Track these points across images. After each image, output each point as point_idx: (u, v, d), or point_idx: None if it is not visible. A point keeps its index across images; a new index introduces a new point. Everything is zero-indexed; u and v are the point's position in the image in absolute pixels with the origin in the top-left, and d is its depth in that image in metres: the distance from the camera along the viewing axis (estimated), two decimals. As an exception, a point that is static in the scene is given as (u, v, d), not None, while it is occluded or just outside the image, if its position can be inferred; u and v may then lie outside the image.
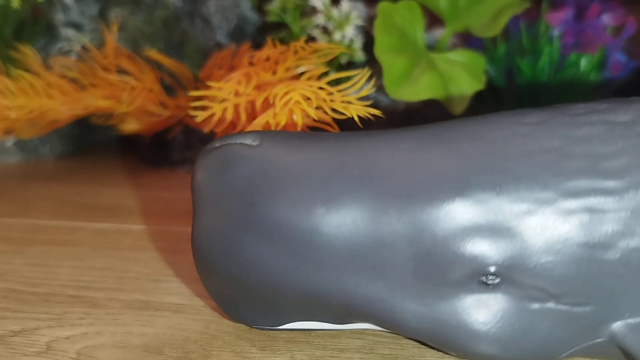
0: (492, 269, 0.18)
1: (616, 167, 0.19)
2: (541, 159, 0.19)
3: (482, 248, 0.18)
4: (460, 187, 0.19)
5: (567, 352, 0.19)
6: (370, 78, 0.36)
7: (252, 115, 0.34)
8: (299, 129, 0.31)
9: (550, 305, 0.19)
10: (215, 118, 0.33)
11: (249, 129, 0.31)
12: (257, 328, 0.22)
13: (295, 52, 0.37)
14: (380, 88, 0.41)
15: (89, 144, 0.56)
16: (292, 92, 0.31)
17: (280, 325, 0.22)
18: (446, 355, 0.21)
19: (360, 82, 0.33)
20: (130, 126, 0.46)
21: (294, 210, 0.19)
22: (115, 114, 0.45)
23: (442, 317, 0.19)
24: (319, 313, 0.20)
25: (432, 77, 0.37)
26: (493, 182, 0.19)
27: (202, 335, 0.23)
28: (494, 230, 0.18)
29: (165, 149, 0.47)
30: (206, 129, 0.34)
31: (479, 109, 0.45)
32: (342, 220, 0.19)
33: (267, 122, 0.31)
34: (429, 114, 0.43)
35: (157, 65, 0.45)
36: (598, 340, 0.19)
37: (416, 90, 0.37)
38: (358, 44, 0.42)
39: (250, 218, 0.19)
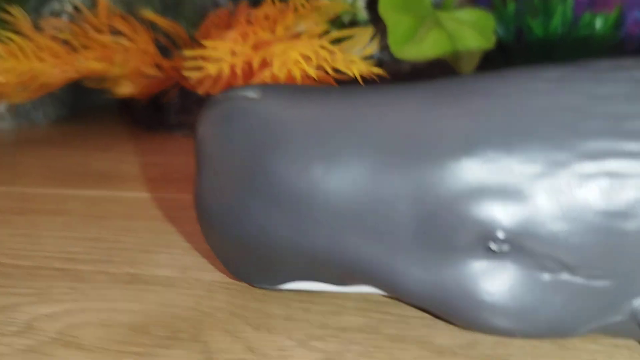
0: (501, 234, 0.17)
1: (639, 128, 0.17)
2: (558, 118, 0.17)
3: (490, 211, 0.17)
4: (468, 146, 0.17)
5: (583, 329, 0.18)
6: (374, 37, 0.34)
7: (249, 76, 0.32)
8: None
9: (565, 276, 0.17)
10: (210, 79, 0.31)
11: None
12: (259, 287, 0.22)
13: (295, 10, 0.35)
14: (384, 47, 0.39)
15: (84, 108, 0.54)
16: (290, 51, 0.29)
17: (281, 285, 0.21)
18: (458, 336, 0.20)
19: (363, 41, 0.31)
20: (125, 89, 0.44)
21: (293, 167, 0.18)
22: (109, 77, 0.43)
23: (445, 284, 0.18)
24: (319, 273, 0.20)
25: (438, 35, 0.35)
26: (504, 141, 0.17)
27: (193, 313, 0.21)
28: (504, 193, 0.17)
29: (161, 113, 0.45)
30: (201, 90, 0.32)
31: (488, 69, 0.43)
32: (342, 178, 0.18)
33: (265, 83, 0.29)
34: (435, 74, 0.40)
35: (151, 26, 0.43)
36: (617, 318, 0.18)
37: (422, 49, 0.35)
38: (361, 2, 0.40)
39: (250, 174, 0.19)
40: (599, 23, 0.39)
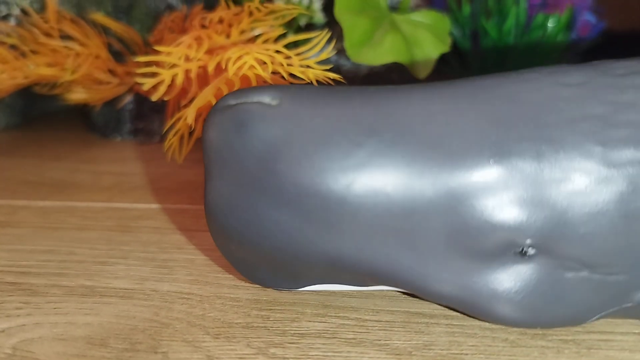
0: (529, 241, 0.18)
1: None
2: (584, 127, 0.18)
3: (520, 219, 0.18)
4: (499, 155, 0.18)
5: (596, 317, 0.19)
6: (330, 40, 0.34)
7: (204, 81, 0.32)
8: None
9: (584, 274, 0.18)
10: (164, 85, 0.31)
11: (200, 96, 0.29)
12: (276, 289, 0.22)
13: (250, 14, 0.35)
14: (341, 51, 0.39)
15: (35, 115, 0.52)
16: (246, 56, 0.29)
17: (301, 288, 0.21)
18: (414, 339, 0.20)
19: (319, 45, 0.31)
20: (77, 95, 0.43)
21: (321, 178, 0.18)
22: (60, 83, 0.42)
23: (474, 287, 0.19)
24: (342, 277, 0.20)
25: (395, 39, 0.36)
26: (533, 151, 0.18)
27: (151, 324, 0.21)
28: (533, 201, 0.18)
29: (116, 120, 0.44)
30: (155, 97, 0.32)
31: (444, 72, 0.43)
32: (372, 188, 0.18)
33: (219, 88, 0.29)
34: (392, 78, 0.41)
35: (104, 30, 0.42)
36: (627, 305, 0.19)
37: (378, 53, 0.35)
38: (317, 4, 0.40)
39: (273, 185, 0.18)
40: (551, 24, 0.40)
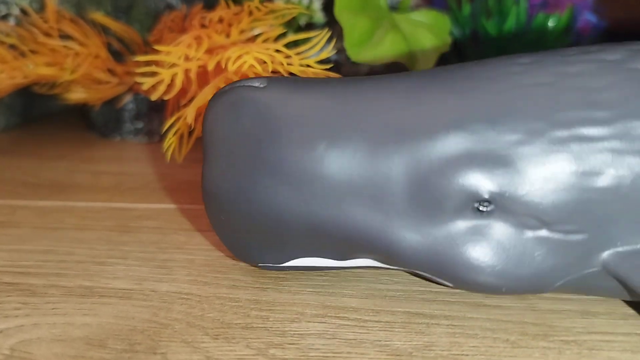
0: (486, 195, 0.19)
1: (606, 99, 0.19)
2: (534, 92, 0.20)
3: (477, 176, 0.19)
4: (455, 120, 0.19)
5: (561, 281, 0.20)
6: (330, 40, 0.34)
7: (203, 81, 0.32)
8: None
9: (544, 233, 0.19)
10: (164, 84, 0.31)
11: (199, 96, 0.29)
12: (263, 267, 0.23)
13: (250, 13, 0.35)
14: (341, 50, 0.39)
15: (35, 115, 0.52)
16: (246, 56, 0.29)
17: (286, 262, 0.22)
18: (414, 339, 0.20)
19: (319, 44, 0.31)
20: (77, 95, 0.43)
21: (298, 147, 0.20)
22: (60, 83, 0.42)
23: (437, 246, 0.19)
24: (322, 247, 0.21)
25: (395, 38, 0.36)
26: (487, 114, 0.19)
27: (150, 324, 0.21)
28: (488, 159, 0.19)
29: (115, 119, 0.44)
30: (154, 97, 0.31)
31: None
32: (342, 155, 0.20)
33: (219, 88, 0.29)
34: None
35: (103, 30, 0.42)
36: (591, 270, 0.19)
37: (378, 52, 0.35)
38: (317, 3, 0.40)
39: (259, 156, 0.20)
40: (551, 24, 0.40)
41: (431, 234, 0.19)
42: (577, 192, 0.19)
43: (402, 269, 0.22)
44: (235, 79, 0.29)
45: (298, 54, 0.30)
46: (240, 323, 0.21)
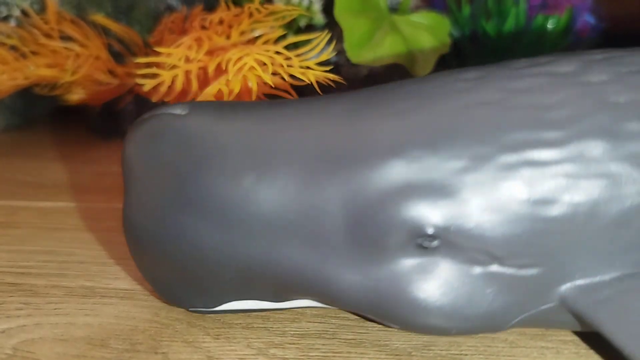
0: (430, 230, 0.17)
1: (558, 117, 0.18)
2: (478, 113, 0.18)
3: (419, 209, 0.17)
4: (393, 146, 0.18)
5: (516, 319, 0.18)
6: (330, 41, 0.34)
7: (204, 83, 0.32)
8: (254, 96, 0.29)
9: (495, 268, 0.18)
10: (164, 86, 0.31)
11: (200, 97, 0.29)
12: (194, 311, 0.21)
13: (251, 15, 0.35)
14: (340, 52, 0.39)
15: (35, 116, 0.52)
16: (246, 57, 0.29)
17: (217, 306, 0.20)
18: (413, 339, 0.20)
19: (319, 46, 0.31)
20: (77, 96, 0.43)
21: (222, 180, 0.18)
22: (60, 84, 0.42)
23: (379, 286, 0.18)
24: (255, 290, 0.19)
25: (394, 40, 0.36)
26: (428, 139, 0.18)
27: (151, 324, 0.21)
28: (431, 190, 0.17)
29: (116, 120, 0.44)
30: (155, 98, 0.32)
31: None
32: (272, 187, 0.18)
33: (220, 90, 0.29)
34: (392, 78, 0.41)
35: (104, 31, 0.42)
36: (548, 305, 0.18)
37: (378, 54, 0.35)
38: (317, 5, 0.40)
39: (181, 191, 0.18)
40: (550, 25, 0.40)
41: (372, 274, 0.18)
42: (529, 223, 0.17)
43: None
44: (236, 80, 0.29)
45: (298, 55, 0.30)
46: (240, 323, 0.21)
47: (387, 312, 0.18)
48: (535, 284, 0.18)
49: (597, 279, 0.18)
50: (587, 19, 0.40)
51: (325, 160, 0.18)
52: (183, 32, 0.38)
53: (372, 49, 0.36)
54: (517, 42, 0.41)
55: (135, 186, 0.19)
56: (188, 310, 0.21)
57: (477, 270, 0.18)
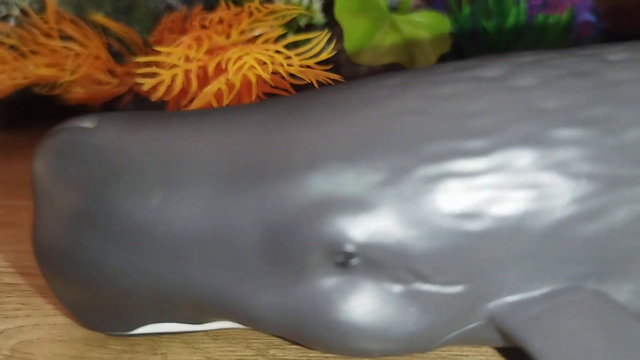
0: (349, 247, 0.16)
1: (482, 125, 0.17)
2: (398, 122, 0.17)
3: (337, 225, 0.16)
4: (310, 159, 0.17)
5: (444, 338, 0.18)
6: (330, 41, 0.34)
7: (204, 82, 0.32)
8: (254, 95, 0.29)
9: (418, 286, 0.17)
10: (164, 85, 0.31)
11: (200, 96, 0.29)
12: (112, 335, 0.20)
13: (250, 14, 0.35)
14: (340, 51, 0.39)
15: (35, 115, 0.52)
16: (246, 57, 0.29)
17: (134, 330, 0.19)
18: (413, 338, 0.20)
19: (319, 45, 0.31)
20: (77, 96, 0.43)
21: (129, 198, 0.17)
22: (60, 83, 0.42)
23: (298, 307, 0.17)
24: (170, 313, 0.19)
25: (395, 39, 0.36)
26: (346, 151, 0.17)
27: (150, 325, 0.21)
28: (349, 205, 0.16)
29: (116, 120, 0.44)
30: (155, 97, 0.31)
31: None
32: (182, 206, 0.17)
33: (220, 89, 0.29)
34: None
35: (103, 30, 0.42)
36: (478, 323, 0.17)
37: (378, 53, 0.35)
38: (317, 5, 0.40)
39: (87, 210, 0.17)
40: (551, 25, 0.40)
41: (290, 295, 0.17)
42: (453, 238, 0.16)
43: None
44: (236, 80, 0.29)
45: (298, 55, 0.30)
46: (240, 323, 0.21)
47: (307, 334, 0.17)
48: (462, 301, 0.17)
49: (527, 295, 0.17)
50: (588, 17, 0.40)
51: (238, 175, 0.17)
52: (183, 31, 0.38)
53: (372, 48, 0.36)
54: (518, 41, 0.41)
55: (43, 205, 0.18)
56: (107, 334, 0.20)
57: (400, 288, 0.17)
